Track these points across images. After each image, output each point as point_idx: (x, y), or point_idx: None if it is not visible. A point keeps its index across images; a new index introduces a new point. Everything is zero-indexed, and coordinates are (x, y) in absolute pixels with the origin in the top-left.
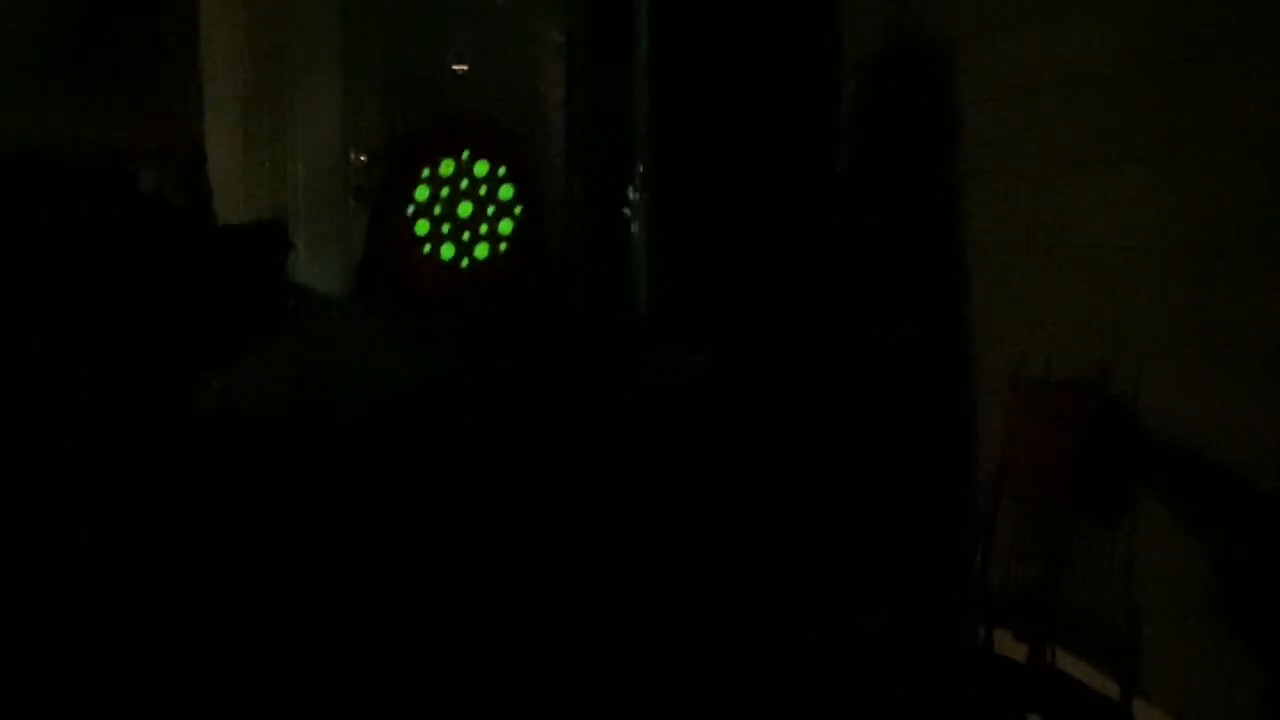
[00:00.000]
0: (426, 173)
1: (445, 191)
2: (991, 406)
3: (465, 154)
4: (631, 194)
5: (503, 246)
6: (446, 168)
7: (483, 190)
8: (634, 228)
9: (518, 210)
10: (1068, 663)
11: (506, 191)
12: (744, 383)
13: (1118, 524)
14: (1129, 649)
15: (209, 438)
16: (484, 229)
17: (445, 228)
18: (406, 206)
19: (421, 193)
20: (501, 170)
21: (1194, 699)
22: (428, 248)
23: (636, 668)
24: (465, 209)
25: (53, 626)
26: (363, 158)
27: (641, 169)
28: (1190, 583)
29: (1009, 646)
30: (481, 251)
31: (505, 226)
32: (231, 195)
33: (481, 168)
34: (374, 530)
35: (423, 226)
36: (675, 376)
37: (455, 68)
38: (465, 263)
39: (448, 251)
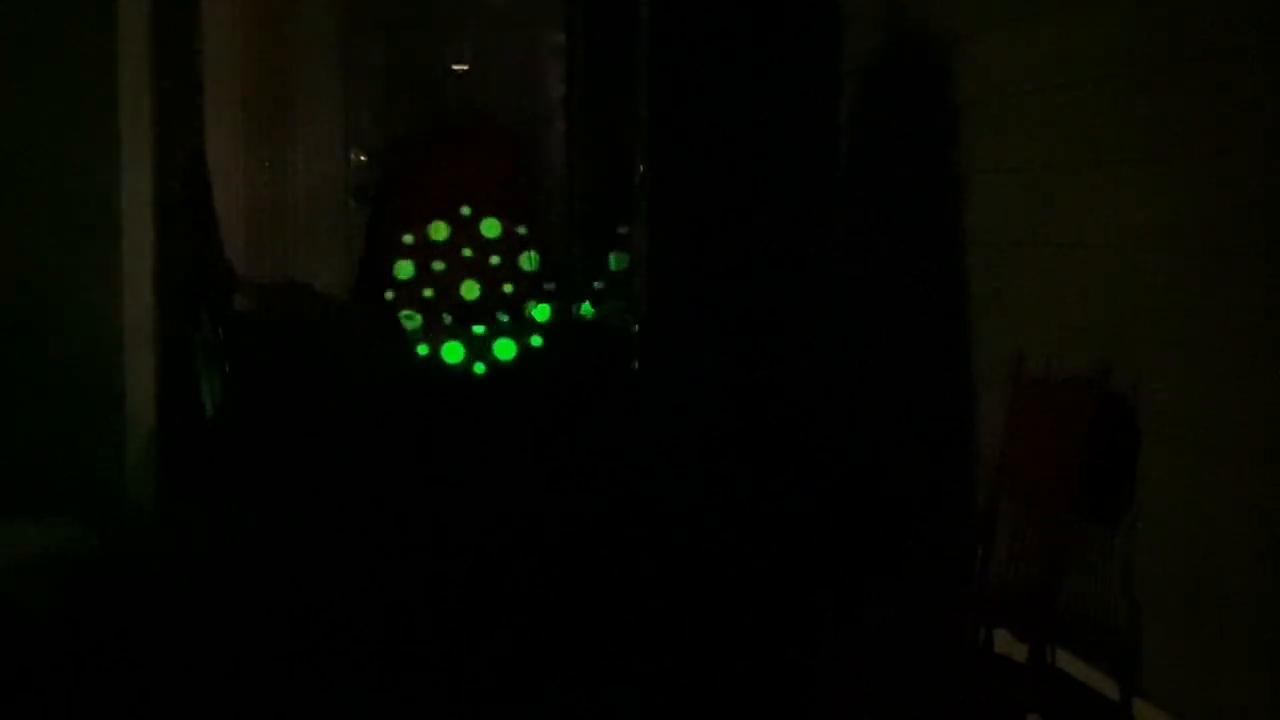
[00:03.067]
0: (409, 239)
1: (439, 266)
2: (992, 405)
3: (466, 210)
4: (631, 195)
5: (535, 340)
6: (438, 231)
7: (495, 260)
8: (634, 229)
9: (551, 286)
10: (1068, 663)
11: (531, 261)
12: (743, 382)
13: (1118, 524)
14: (1129, 649)
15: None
16: (504, 317)
17: (446, 318)
18: (398, 234)
19: (404, 270)
20: (522, 230)
21: (1194, 699)
22: (425, 348)
23: (636, 665)
24: (471, 290)
25: None
26: (363, 158)
27: (641, 169)
28: (1190, 583)
29: (1009, 646)
30: (505, 351)
31: (541, 313)
32: (231, 195)
33: (491, 228)
34: (371, 523)
35: (413, 320)
36: (676, 375)
37: (455, 68)
38: (480, 368)
39: (453, 354)
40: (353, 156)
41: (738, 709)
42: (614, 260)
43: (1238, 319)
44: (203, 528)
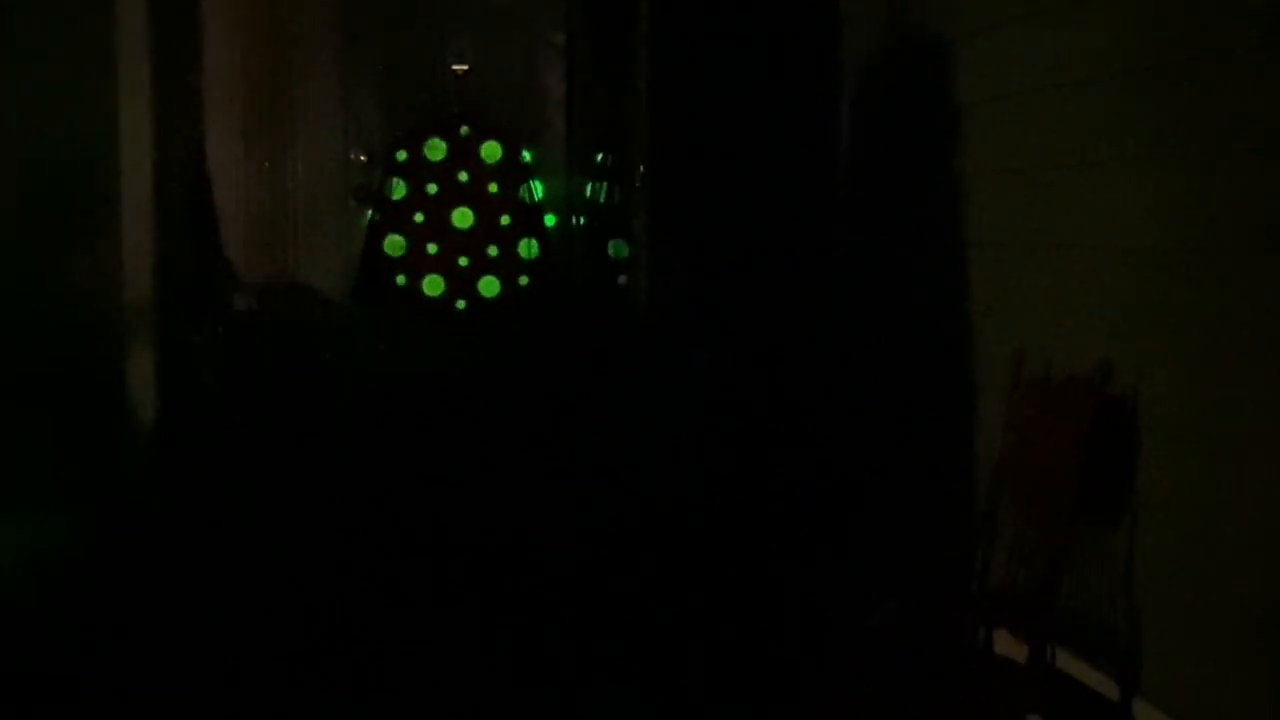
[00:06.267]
0: (403, 155)
1: (432, 188)
2: (992, 406)
3: (464, 130)
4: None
5: (524, 279)
6: (434, 150)
7: (493, 187)
8: (634, 228)
9: (550, 220)
10: (1068, 663)
11: (535, 189)
12: (743, 382)
13: (1118, 524)
14: (1129, 649)
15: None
16: (494, 251)
17: (431, 248)
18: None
19: (397, 189)
20: (527, 155)
21: (1194, 699)
22: (403, 279)
23: (634, 664)
24: (463, 218)
25: None
26: (363, 158)
27: (641, 169)
28: (1190, 583)
29: (1009, 646)
30: (490, 288)
31: (528, 248)
32: (232, 195)
33: (492, 150)
34: (369, 521)
35: (395, 245)
36: (676, 375)
37: (455, 68)
38: (461, 304)
39: (433, 286)
40: (353, 156)
41: (738, 709)
42: (613, 248)
43: (1238, 319)
44: (202, 526)
